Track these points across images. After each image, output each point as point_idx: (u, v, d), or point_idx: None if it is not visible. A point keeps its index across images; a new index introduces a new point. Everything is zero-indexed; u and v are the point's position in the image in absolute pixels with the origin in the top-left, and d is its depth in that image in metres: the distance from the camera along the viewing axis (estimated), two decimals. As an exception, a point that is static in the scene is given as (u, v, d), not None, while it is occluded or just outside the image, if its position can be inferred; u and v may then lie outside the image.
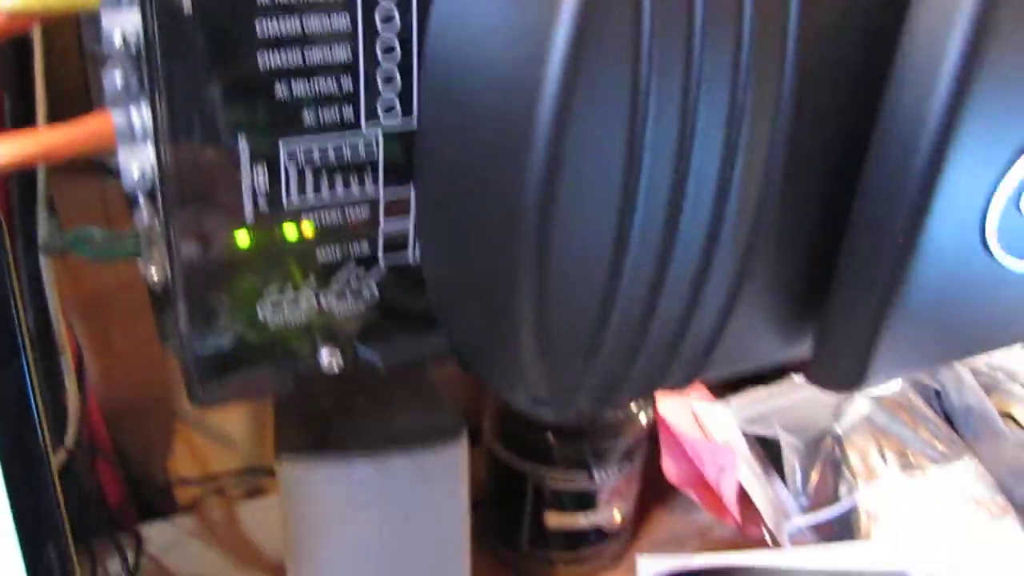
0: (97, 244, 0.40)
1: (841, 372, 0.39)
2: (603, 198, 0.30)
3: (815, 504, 0.67)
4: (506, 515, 0.65)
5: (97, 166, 0.51)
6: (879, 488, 0.66)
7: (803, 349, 0.38)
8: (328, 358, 0.37)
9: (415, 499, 0.48)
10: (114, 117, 0.34)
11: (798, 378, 0.75)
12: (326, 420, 0.48)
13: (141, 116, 0.33)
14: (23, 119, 0.52)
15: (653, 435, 0.66)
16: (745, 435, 0.69)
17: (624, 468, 0.63)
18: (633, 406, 0.63)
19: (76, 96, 0.56)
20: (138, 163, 0.33)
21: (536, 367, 0.33)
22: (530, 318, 0.31)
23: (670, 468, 0.66)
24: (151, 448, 0.71)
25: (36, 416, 0.37)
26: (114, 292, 0.62)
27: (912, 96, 0.31)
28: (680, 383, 0.38)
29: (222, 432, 0.74)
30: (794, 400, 0.74)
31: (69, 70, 0.55)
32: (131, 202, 0.39)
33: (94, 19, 0.34)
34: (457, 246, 0.33)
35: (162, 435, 0.73)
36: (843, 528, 0.67)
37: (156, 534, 0.69)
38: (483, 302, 0.34)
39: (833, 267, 0.35)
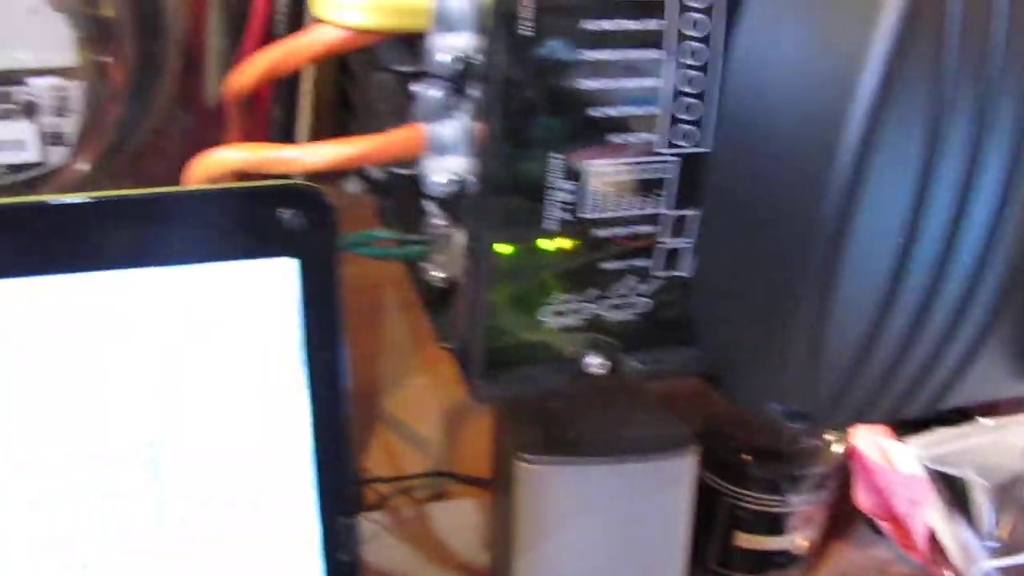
0: (382, 245, 0.44)
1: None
2: (892, 226, 0.33)
3: (1007, 550, 0.67)
4: (697, 533, 0.67)
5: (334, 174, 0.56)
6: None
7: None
8: (595, 362, 0.40)
9: (643, 504, 0.51)
10: (427, 129, 0.38)
11: (985, 421, 0.76)
12: (557, 425, 0.52)
13: (455, 129, 0.37)
14: (286, 128, 0.58)
15: (843, 467, 0.68)
16: (930, 472, 0.71)
17: (816, 495, 0.65)
18: (828, 436, 0.65)
19: (328, 108, 0.62)
20: (444, 172, 0.38)
21: (803, 380, 0.36)
22: (808, 331, 0.35)
23: (863, 498, 0.68)
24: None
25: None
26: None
27: None
28: (922, 410, 0.41)
29: (415, 434, 0.78)
30: (982, 442, 0.74)
31: (325, 84, 0.61)
32: (419, 209, 0.43)
33: (393, 42, 0.38)
34: (742, 262, 0.37)
35: (361, 433, 0.77)
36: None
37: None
38: (758, 316, 0.37)
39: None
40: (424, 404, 0.77)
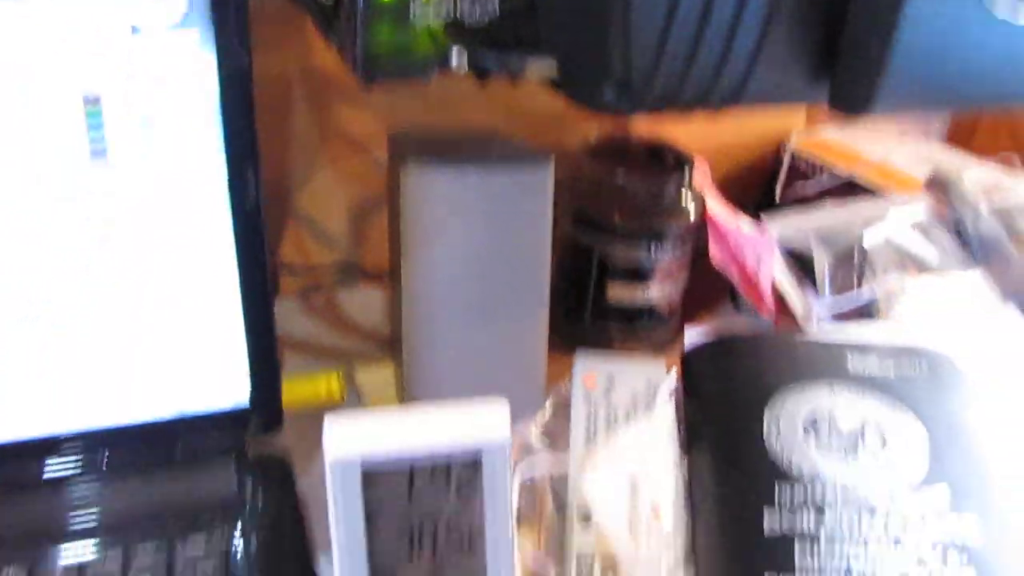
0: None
1: (854, 98, 0.52)
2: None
3: (838, 302, 0.80)
4: (573, 290, 0.79)
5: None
6: (897, 282, 0.79)
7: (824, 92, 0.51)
8: (456, 59, 0.51)
9: (510, 210, 0.62)
10: None
11: (830, 204, 0.88)
12: (439, 148, 0.63)
13: None
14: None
15: (701, 258, 0.80)
16: (780, 246, 0.83)
17: (676, 250, 0.76)
18: (685, 199, 0.76)
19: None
20: None
21: (621, 62, 0.47)
22: (619, 20, 0.45)
23: (716, 255, 0.79)
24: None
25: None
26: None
27: None
28: (726, 100, 0.52)
29: (324, 229, 0.88)
30: (826, 220, 0.86)
31: None
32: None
33: None
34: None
35: (272, 227, 0.87)
36: (864, 316, 0.80)
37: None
38: (582, 11, 0.48)
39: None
40: (332, 199, 0.86)
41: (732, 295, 0.88)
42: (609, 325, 0.79)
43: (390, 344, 0.77)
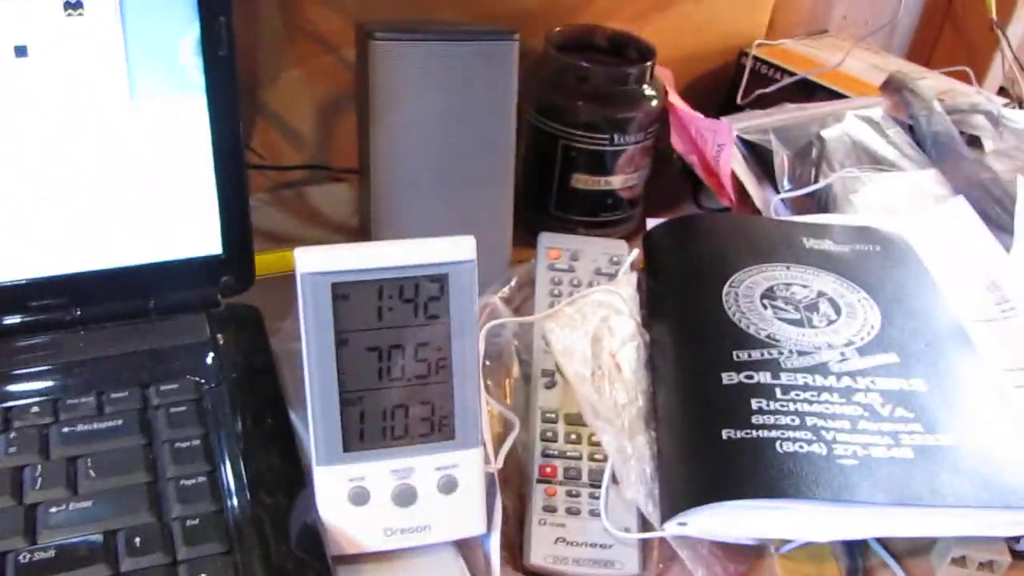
0: None
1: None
2: None
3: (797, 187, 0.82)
4: (537, 181, 0.80)
5: None
6: (854, 176, 0.81)
7: None
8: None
9: (476, 81, 0.64)
10: None
11: (789, 105, 0.90)
12: (404, 26, 0.64)
13: None
14: None
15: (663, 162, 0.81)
16: (739, 142, 0.84)
17: (639, 139, 0.78)
18: (647, 89, 0.78)
19: None
20: None
21: None
22: None
23: (677, 142, 0.81)
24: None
25: None
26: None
27: None
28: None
29: (292, 129, 0.88)
30: (785, 118, 0.88)
31: None
32: None
33: None
34: None
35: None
36: (820, 204, 0.82)
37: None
38: None
39: None
40: (300, 98, 0.87)
41: (694, 194, 0.90)
42: (573, 216, 0.80)
43: (359, 237, 0.78)
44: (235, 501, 0.49)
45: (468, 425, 0.49)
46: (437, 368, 0.49)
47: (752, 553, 0.54)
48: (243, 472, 0.50)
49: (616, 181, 0.78)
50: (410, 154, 0.65)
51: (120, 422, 0.52)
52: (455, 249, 0.48)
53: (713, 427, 0.54)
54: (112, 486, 0.49)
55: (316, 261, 0.46)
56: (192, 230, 0.58)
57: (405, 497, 0.49)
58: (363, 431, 0.49)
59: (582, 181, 0.78)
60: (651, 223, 0.76)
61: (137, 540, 0.47)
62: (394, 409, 0.49)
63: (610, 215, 0.80)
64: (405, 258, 0.47)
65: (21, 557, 0.46)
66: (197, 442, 0.51)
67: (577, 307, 0.64)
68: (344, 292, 0.47)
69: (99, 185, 0.55)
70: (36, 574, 0.45)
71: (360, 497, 0.49)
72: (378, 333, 0.48)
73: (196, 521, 0.48)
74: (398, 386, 0.49)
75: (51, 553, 0.46)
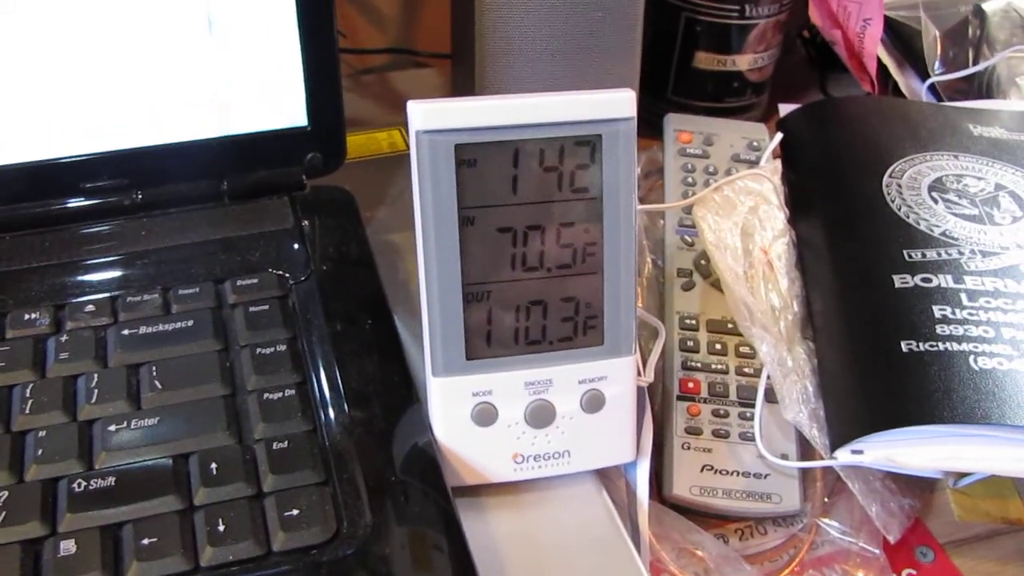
0: None
1: None
2: None
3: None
4: (654, 61, 0.66)
5: None
6: (1019, 51, 0.66)
7: None
8: None
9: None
10: None
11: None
12: None
13: None
14: None
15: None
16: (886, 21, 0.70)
17: (772, 11, 0.63)
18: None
19: None
20: None
21: None
22: None
23: (816, 17, 0.67)
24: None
25: None
26: None
27: None
28: None
29: (375, 10, 0.75)
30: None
31: None
32: None
33: None
34: None
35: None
36: (980, 89, 0.67)
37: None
38: None
39: None
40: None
41: (821, 83, 0.76)
42: (692, 102, 0.67)
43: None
44: (331, 420, 0.39)
45: (620, 328, 0.37)
46: (584, 255, 0.36)
47: (923, 487, 0.45)
48: (340, 384, 0.38)
49: (743, 61, 0.65)
50: (522, 27, 0.54)
51: (190, 323, 0.40)
52: (611, 105, 0.35)
53: (890, 338, 0.44)
54: (182, 400, 0.39)
55: (436, 116, 0.34)
56: (273, 98, 0.47)
57: (541, 416, 0.37)
58: (490, 334, 0.37)
59: (705, 60, 0.65)
60: (784, 109, 0.62)
61: (213, 466, 0.36)
62: (529, 306, 0.37)
63: (734, 100, 0.68)
64: (548, 114, 0.35)
65: (75, 485, 0.35)
66: (283, 347, 0.39)
67: (723, 195, 0.51)
68: (470, 157, 0.34)
69: (159, 44, 0.43)
70: (93, 505, 0.35)
71: (486, 416, 0.37)
72: (512, 210, 0.36)
73: (284, 444, 0.37)
74: (535, 278, 0.36)
75: (110, 481, 0.36)
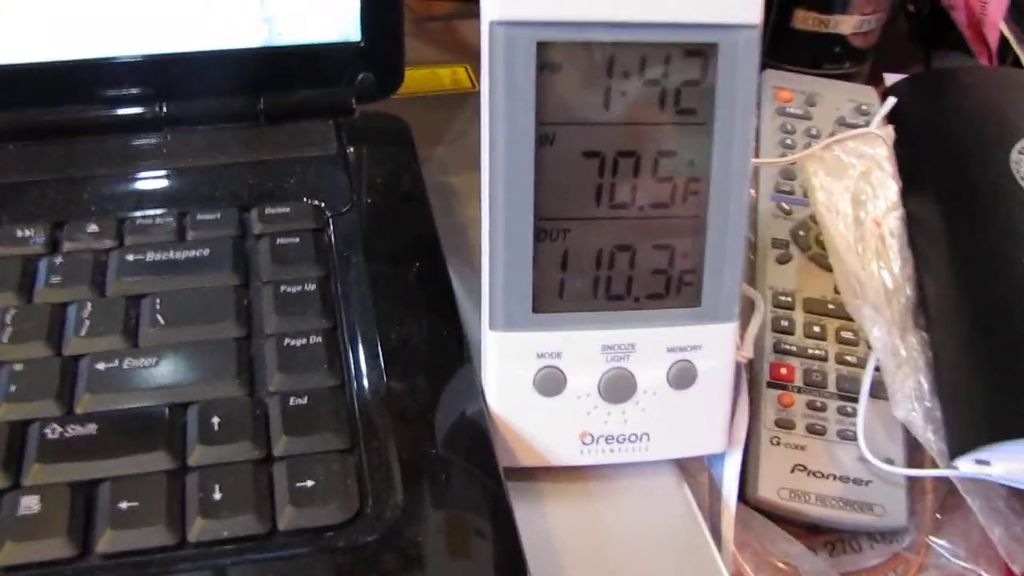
0: None
1: None
2: None
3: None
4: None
5: None
6: None
7: None
8: None
9: None
10: None
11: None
12: None
13: None
14: None
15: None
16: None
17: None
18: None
19: None
20: None
21: None
22: None
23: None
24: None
25: None
26: None
27: None
28: None
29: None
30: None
31: None
32: None
33: None
34: None
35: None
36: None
37: None
38: None
39: None
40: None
41: (926, 56, 0.67)
42: (788, 67, 0.58)
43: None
44: (363, 376, 0.31)
45: (723, 287, 0.29)
46: (686, 194, 0.28)
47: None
48: (377, 334, 0.30)
49: (848, 23, 0.57)
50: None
51: (206, 252, 0.33)
52: (732, 7, 0.26)
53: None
54: (187, 339, 0.32)
55: (517, 3, 0.25)
56: (323, 6, 0.39)
57: (618, 388, 0.29)
58: (564, 283, 0.28)
59: (805, 20, 0.57)
60: (890, 79, 0.56)
61: (215, 420, 0.29)
62: (614, 252, 0.29)
63: (835, 67, 0.60)
64: (654, 11, 0.26)
65: (49, 430, 0.28)
66: (312, 287, 0.31)
67: (833, 154, 0.42)
68: (554, 59, 0.26)
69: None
70: (67, 456, 0.28)
71: (551, 383, 0.29)
72: (601, 131, 0.27)
73: (303, 400, 0.29)
74: (624, 216, 0.28)
75: (91, 428, 0.29)
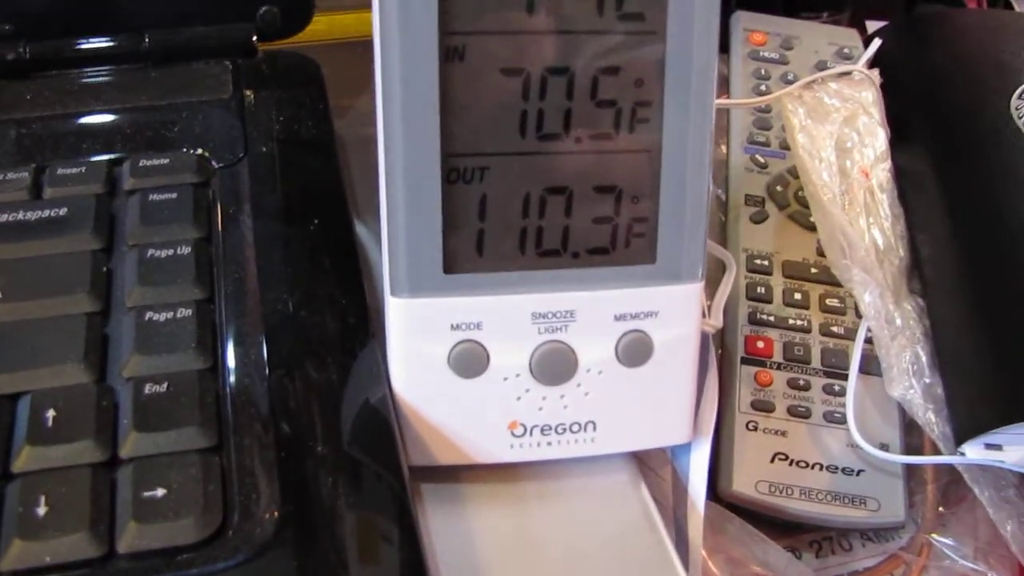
0: None
1: None
2: None
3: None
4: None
5: None
6: None
7: None
8: None
9: None
10: None
11: None
12: None
13: None
14: None
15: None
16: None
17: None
18: None
19: None
20: None
21: None
22: None
23: None
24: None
25: None
26: None
27: None
28: None
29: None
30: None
31: None
32: None
33: None
34: None
35: None
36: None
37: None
38: None
39: None
40: None
41: (908, 7, 0.62)
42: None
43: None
44: (240, 357, 0.25)
45: (683, 239, 0.23)
46: (633, 122, 0.21)
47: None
48: (260, 307, 0.23)
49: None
50: None
51: (62, 211, 0.27)
52: None
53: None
54: (27, 316, 0.25)
55: None
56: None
57: (555, 367, 0.23)
58: (482, 236, 0.22)
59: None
60: (872, 26, 0.51)
61: (50, 414, 0.23)
62: (544, 196, 0.22)
63: (810, 15, 0.53)
64: None
65: None
66: (186, 250, 0.25)
67: (814, 95, 0.35)
68: None
69: None
70: None
71: (471, 361, 0.23)
72: (525, 40, 0.21)
73: (163, 387, 0.24)
74: (556, 151, 0.21)
75: None
